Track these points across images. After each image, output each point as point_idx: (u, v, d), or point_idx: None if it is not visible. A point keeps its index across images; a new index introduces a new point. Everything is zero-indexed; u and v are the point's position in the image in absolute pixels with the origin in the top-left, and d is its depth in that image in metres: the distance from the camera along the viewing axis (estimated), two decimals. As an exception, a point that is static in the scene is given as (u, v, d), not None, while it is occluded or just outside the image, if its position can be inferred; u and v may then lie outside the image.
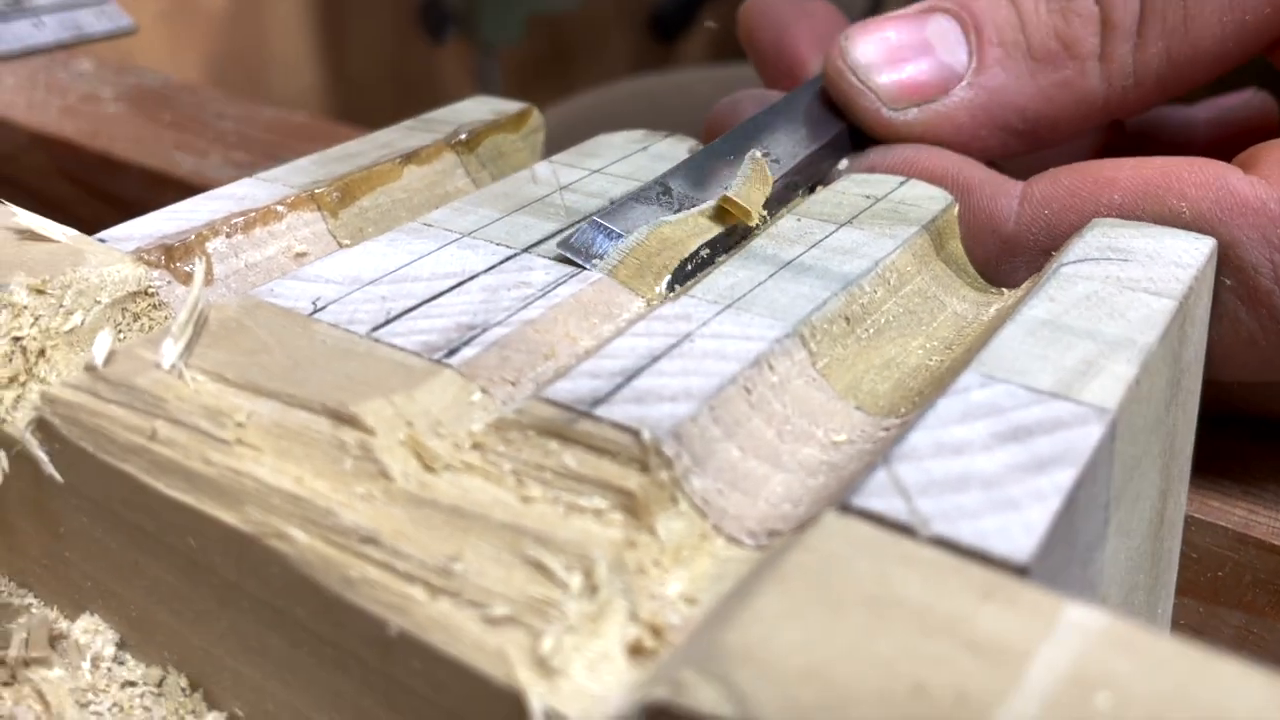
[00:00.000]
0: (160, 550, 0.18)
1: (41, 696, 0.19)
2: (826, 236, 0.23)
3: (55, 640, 0.20)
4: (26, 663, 0.19)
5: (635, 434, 0.17)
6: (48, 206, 0.48)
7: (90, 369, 0.19)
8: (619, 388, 0.18)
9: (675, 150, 0.28)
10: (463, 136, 0.29)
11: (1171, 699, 0.12)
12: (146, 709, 0.19)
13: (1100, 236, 0.23)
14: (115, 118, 0.48)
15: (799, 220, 0.24)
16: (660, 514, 0.16)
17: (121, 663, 0.20)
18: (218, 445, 0.17)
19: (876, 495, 0.15)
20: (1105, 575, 0.19)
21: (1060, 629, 0.13)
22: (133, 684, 0.20)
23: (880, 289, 0.22)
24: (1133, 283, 0.21)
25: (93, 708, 0.19)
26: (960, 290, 0.23)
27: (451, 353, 0.19)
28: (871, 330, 0.21)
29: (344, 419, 0.17)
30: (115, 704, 0.19)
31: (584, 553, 0.15)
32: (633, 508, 0.16)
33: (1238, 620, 0.26)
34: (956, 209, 0.25)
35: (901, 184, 0.26)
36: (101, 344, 0.19)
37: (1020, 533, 0.14)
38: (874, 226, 0.23)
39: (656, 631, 0.15)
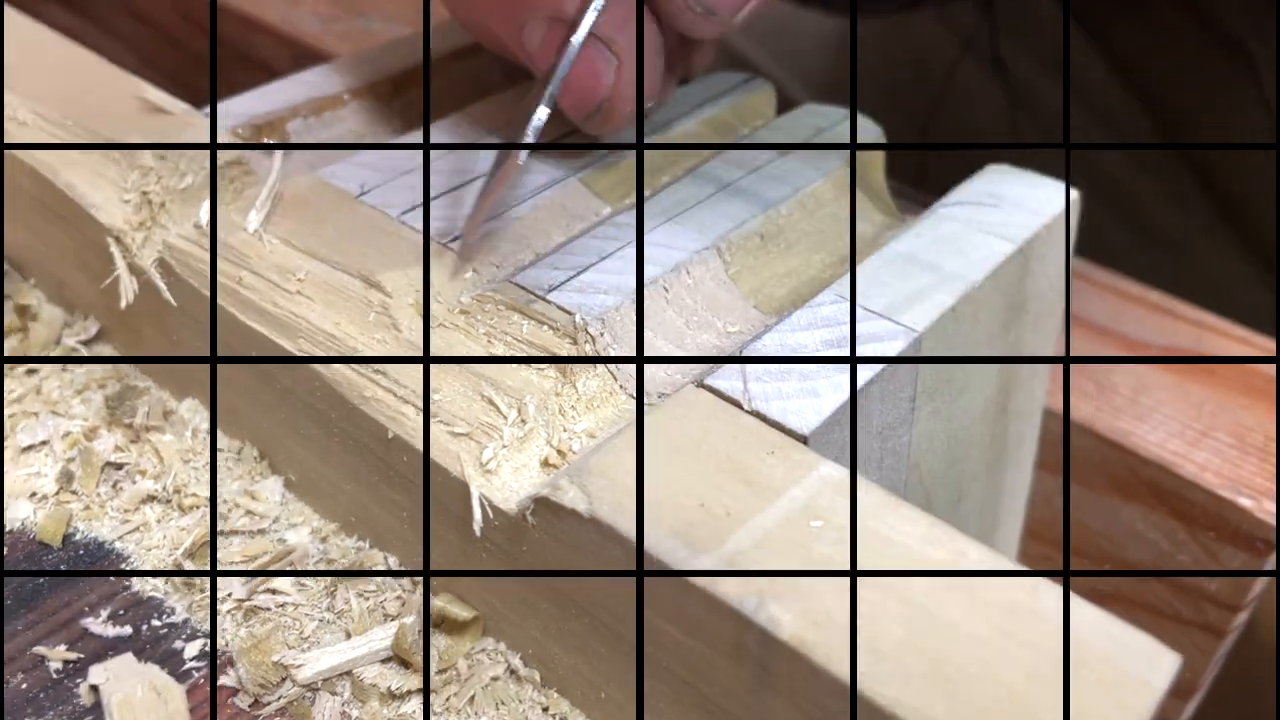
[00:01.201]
0: (239, 359, 0.26)
1: (158, 453, 0.27)
2: (766, 164, 0.29)
3: (167, 415, 0.28)
4: (147, 429, 0.27)
5: (571, 315, 0.23)
6: (161, 37, 0.55)
7: (197, 226, 0.26)
8: (570, 279, 0.25)
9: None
10: (501, 37, 0.35)
11: (861, 527, 0.19)
12: (229, 468, 0.27)
13: (985, 182, 0.28)
14: (221, -40, 0.54)
15: (750, 147, 0.30)
16: (581, 374, 0.23)
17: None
18: (284, 293, 0.25)
19: (723, 378, 0.22)
20: (916, 447, 0.25)
21: (810, 478, 0.20)
22: (220, 450, 0.28)
23: (797, 212, 0.28)
24: (988, 226, 0.27)
25: (192, 464, 0.27)
26: (871, 215, 0.29)
27: (455, 239, 0.26)
28: (782, 245, 0.27)
29: (372, 283, 0.24)
30: (207, 463, 0.27)
31: (521, 395, 0.22)
32: (562, 368, 0.23)
33: (1077, 494, 0.33)
34: (882, 143, 0.30)
35: (845, 118, 0.31)
36: (206, 209, 0.26)
37: (810, 413, 0.21)
38: (807, 157, 0.29)
39: (562, 454, 0.22)
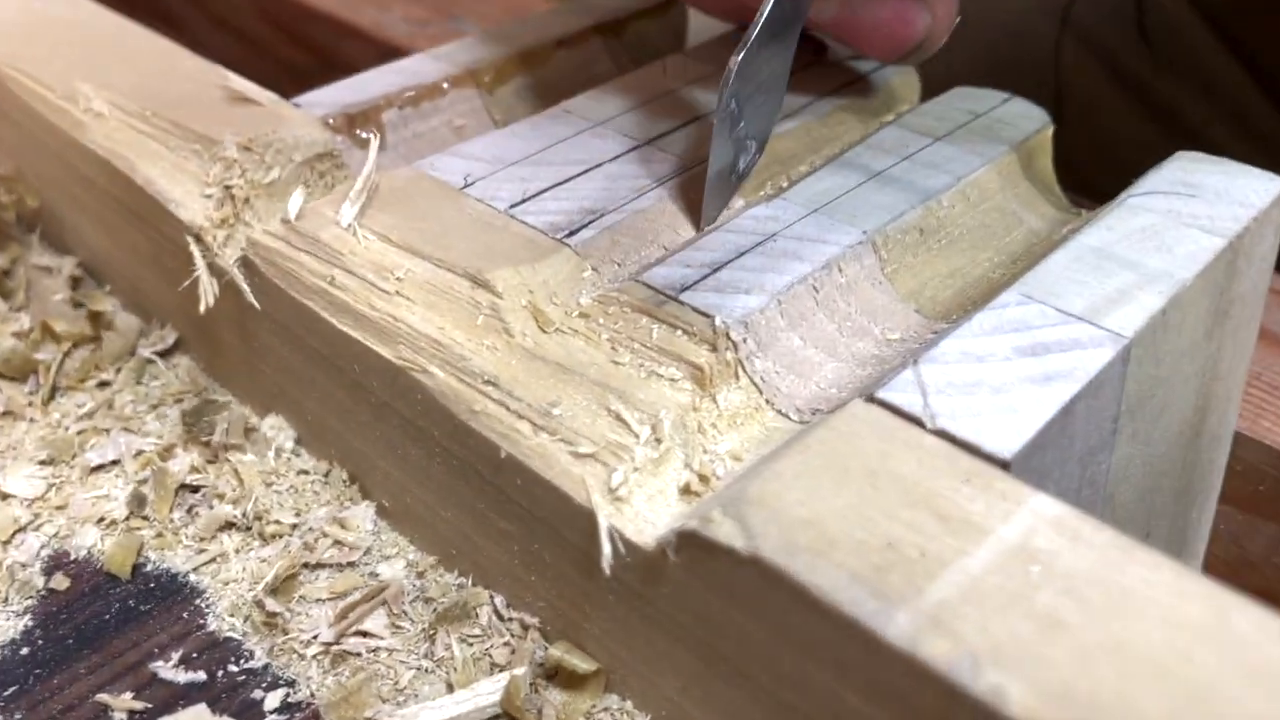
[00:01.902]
0: (332, 370, 0.23)
1: (237, 474, 0.24)
2: (919, 150, 0.25)
3: (248, 432, 0.25)
4: (226, 447, 0.25)
5: (710, 319, 0.20)
6: (250, 45, 0.54)
7: (285, 221, 0.23)
8: (705, 277, 0.21)
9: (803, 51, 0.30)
10: (611, 23, 0.32)
11: (1090, 577, 0.15)
12: (315, 493, 0.24)
13: (1176, 170, 0.24)
14: (310, -35, 0.52)
15: (899, 131, 0.26)
16: (722, 386, 0.20)
17: (298, 454, 0.25)
18: (381, 294, 0.22)
19: (898, 390, 0.18)
20: (1114, 475, 0.21)
21: (1020, 513, 0.16)
22: (306, 472, 0.25)
23: (959, 204, 0.24)
24: (1191, 218, 0.23)
25: (275, 488, 0.24)
26: (1041, 208, 0.26)
27: (572, 233, 0.23)
28: (944, 241, 0.24)
29: (480, 283, 0.21)
30: (292, 486, 0.24)
31: (654, 411, 0.19)
32: (700, 379, 0.20)
33: (1272, 531, 0.29)
34: (1050, 129, 0.27)
35: (1004, 101, 0.27)
36: (295, 201, 0.23)
37: (1011, 434, 0.18)
38: (967, 143, 0.26)
39: (704, 478, 0.18)
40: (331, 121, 0.27)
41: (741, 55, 0.23)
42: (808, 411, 0.20)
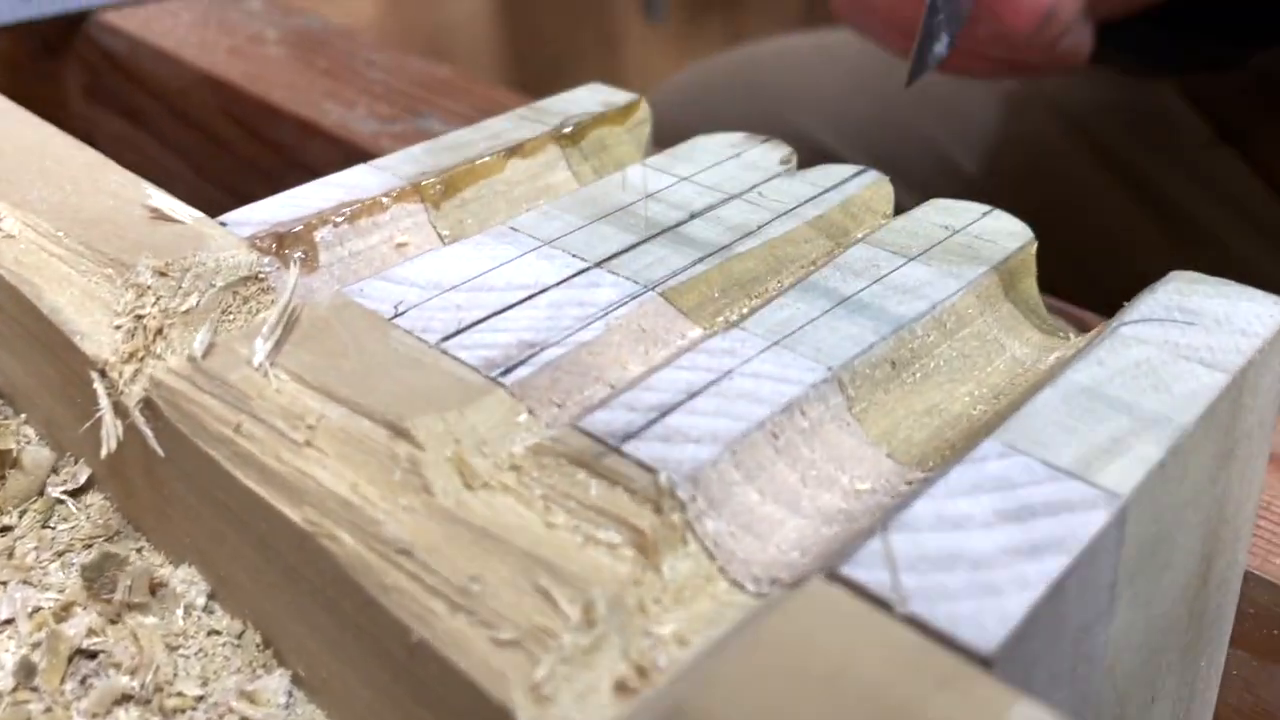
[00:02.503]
0: (240, 526, 0.20)
1: (136, 638, 0.22)
2: (891, 272, 0.23)
3: (156, 587, 0.23)
4: (129, 607, 0.22)
5: (653, 474, 0.18)
6: (214, 143, 0.52)
7: (191, 359, 0.21)
8: (651, 424, 0.19)
9: (768, 159, 0.28)
10: (567, 129, 0.30)
11: (1088, 814, 0.13)
12: (226, 658, 0.22)
13: (1172, 293, 0.22)
14: (275, 61, 0.51)
15: (870, 250, 0.24)
16: (668, 554, 0.17)
17: (210, 612, 0.23)
18: (290, 445, 0.19)
19: (864, 566, 0.16)
20: (1113, 645, 0.19)
21: (1003, 727, 0.14)
22: (217, 633, 0.22)
23: (934, 333, 0.22)
24: (1190, 351, 0.21)
25: (181, 651, 0.22)
26: (1025, 334, 0.24)
27: (508, 371, 0.20)
28: (919, 374, 0.22)
29: (399, 432, 0.19)
30: (201, 649, 0.22)
31: (587, 588, 0.17)
32: (643, 545, 0.17)
33: (1290, 680, 0.26)
34: (1034, 247, 0.25)
35: (984, 215, 0.26)
36: (202, 337, 0.21)
37: (993, 621, 0.15)
38: (943, 263, 0.24)
39: (642, 672, 0.16)
40: (259, 241, 0.25)
41: None
42: (766, 581, 0.18)
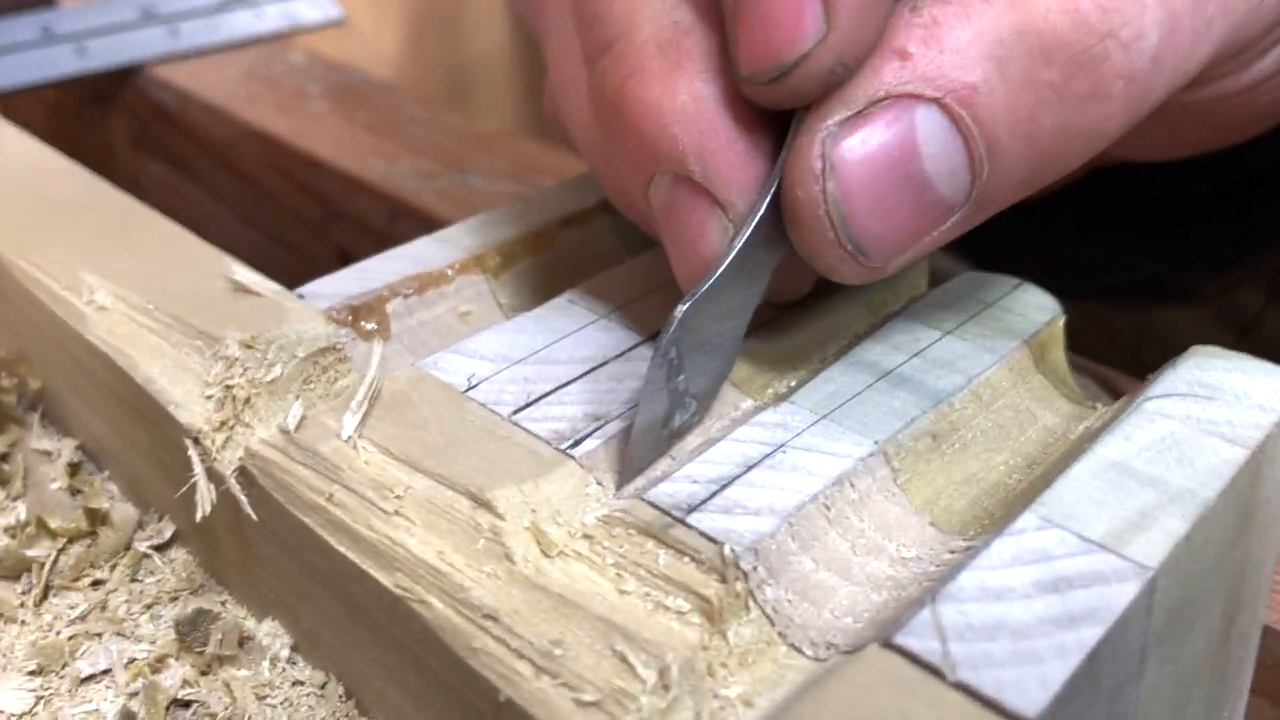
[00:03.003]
0: (328, 586, 0.22)
1: (229, 689, 0.23)
2: (929, 345, 0.25)
3: (243, 640, 0.24)
4: (220, 659, 0.24)
5: (719, 546, 0.19)
6: (261, 194, 0.54)
7: (284, 431, 0.23)
8: (713, 495, 0.21)
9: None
10: (616, 200, 0.32)
11: None
12: (311, 708, 0.24)
13: (1193, 368, 0.24)
14: (319, 116, 0.53)
15: (909, 323, 0.26)
16: (733, 620, 0.19)
17: (294, 663, 0.24)
18: (380, 514, 0.21)
19: (916, 635, 0.18)
20: (1144, 703, 0.20)
21: (1048, 787, 0.15)
22: (301, 683, 0.24)
23: (971, 405, 0.24)
24: (1211, 425, 0.22)
25: (268, 701, 0.23)
26: (1055, 403, 0.25)
27: (576, 443, 0.22)
28: (958, 445, 0.23)
29: (481, 502, 0.21)
30: (287, 699, 0.24)
31: (661, 653, 0.18)
32: (709, 612, 0.19)
33: (1309, 730, 0.27)
34: (1062, 320, 0.26)
35: (1015, 288, 0.27)
36: (295, 411, 0.23)
37: (1035, 688, 0.17)
38: (978, 337, 0.25)
39: (714, 730, 0.18)
40: (335, 314, 0.27)
41: (688, 305, 0.21)
42: (822, 645, 0.19)
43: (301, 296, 0.27)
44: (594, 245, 0.31)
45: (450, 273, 0.28)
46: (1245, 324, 0.40)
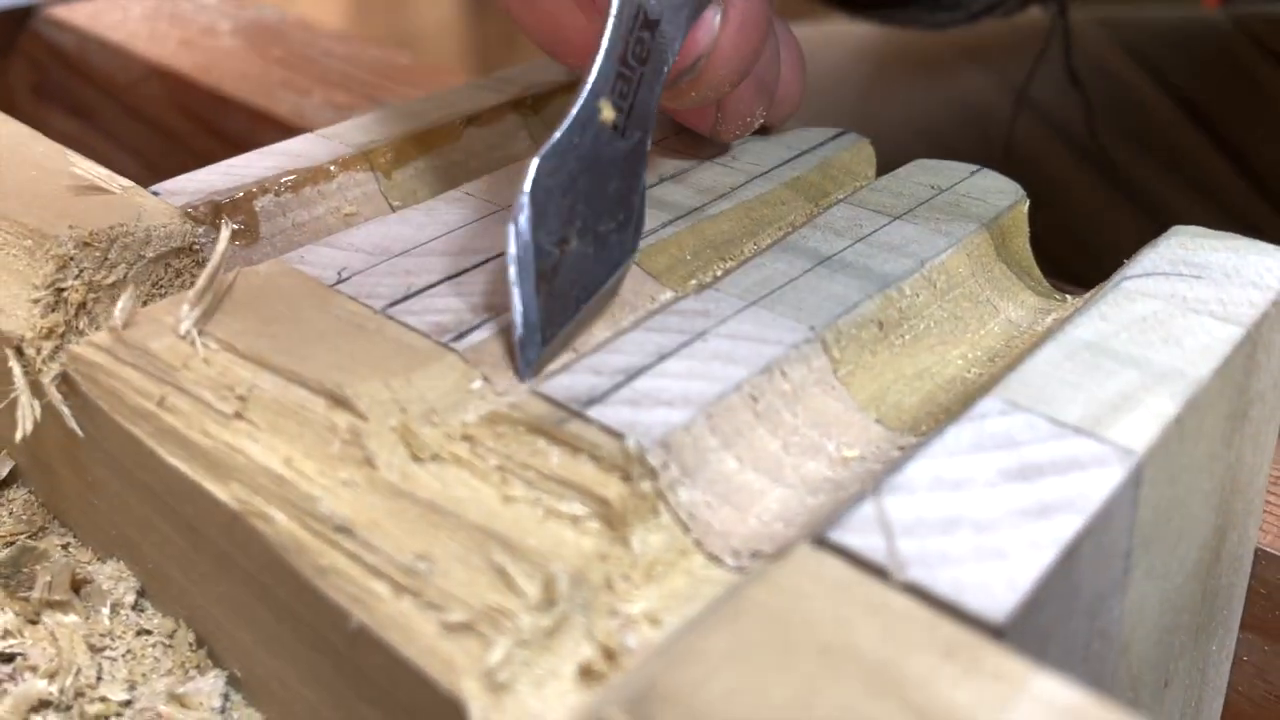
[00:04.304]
0: (167, 511, 0.18)
1: (54, 639, 0.20)
2: (876, 230, 0.22)
3: (80, 585, 0.21)
4: (49, 604, 0.20)
5: (620, 439, 0.16)
6: (165, 137, 0.50)
7: (111, 329, 0.19)
8: (618, 387, 0.17)
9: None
10: (528, 98, 0.28)
11: (1122, 798, 0.11)
12: (157, 659, 0.20)
13: (1175, 247, 0.21)
14: (228, 52, 0.49)
15: (852, 209, 0.23)
16: (638, 526, 0.16)
17: (141, 610, 0.21)
18: (218, 418, 0.17)
19: (856, 531, 0.14)
20: (1128, 621, 0.17)
21: (1021, 703, 0.12)
22: (148, 632, 0.20)
23: (924, 292, 0.21)
24: (1199, 304, 0.19)
25: (107, 653, 0.20)
26: (1019, 295, 0.22)
27: (461, 336, 0.19)
28: (908, 336, 0.20)
29: (338, 400, 0.17)
30: (129, 651, 0.20)
31: (547, 564, 0.15)
32: (609, 517, 0.16)
33: (1305, 664, 0.25)
34: (1026, 205, 0.23)
35: (972, 173, 0.24)
36: (123, 305, 0.19)
37: (1002, 588, 0.14)
38: (930, 221, 0.22)
39: (610, 655, 0.14)
40: (194, 211, 0.23)
41: (545, 149, 0.18)
42: (746, 554, 0.16)
43: (157, 193, 0.24)
44: (503, 145, 0.28)
45: (333, 169, 0.25)
46: None
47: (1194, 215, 0.51)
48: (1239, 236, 0.21)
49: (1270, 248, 0.21)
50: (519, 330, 0.18)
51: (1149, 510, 0.16)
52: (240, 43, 0.50)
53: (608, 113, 0.19)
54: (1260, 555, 0.24)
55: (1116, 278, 0.20)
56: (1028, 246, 0.23)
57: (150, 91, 0.49)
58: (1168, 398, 0.17)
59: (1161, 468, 0.16)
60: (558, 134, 0.18)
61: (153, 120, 0.51)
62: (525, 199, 0.18)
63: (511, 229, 0.18)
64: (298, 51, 0.49)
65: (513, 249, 0.18)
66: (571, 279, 0.19)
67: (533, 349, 0.18)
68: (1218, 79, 0.56)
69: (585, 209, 0.19)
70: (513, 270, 0.18)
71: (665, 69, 0.20)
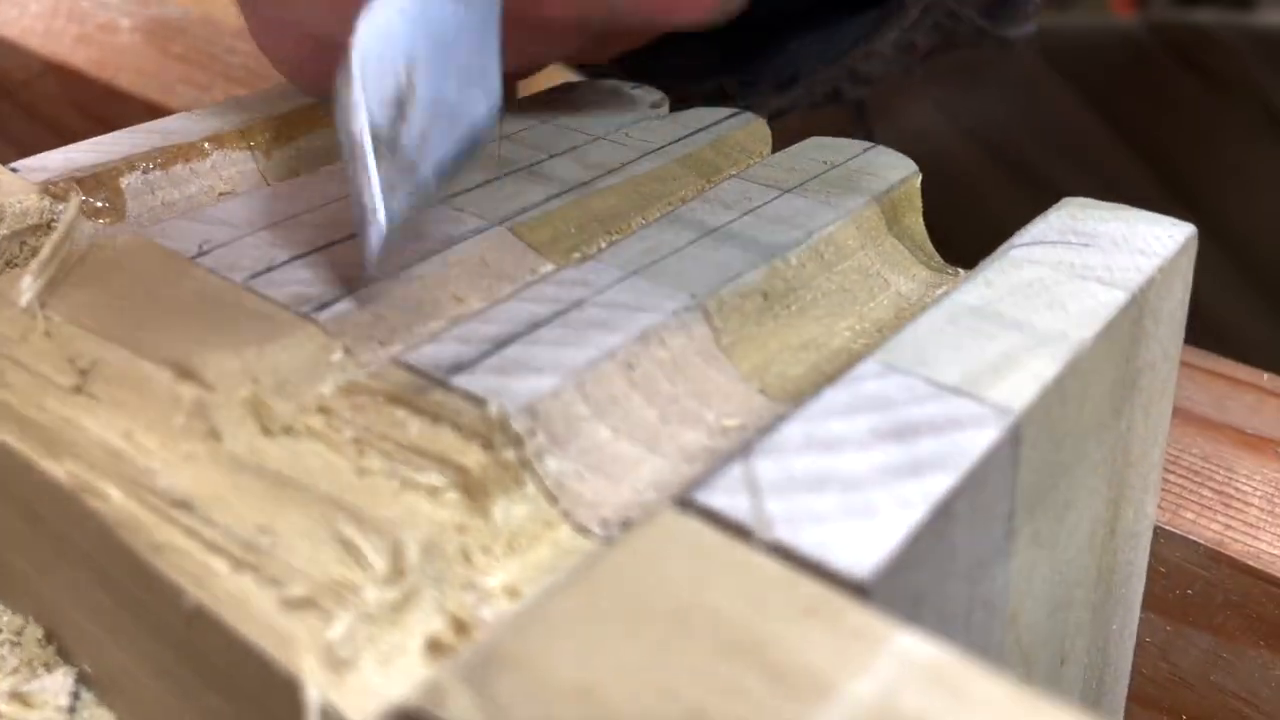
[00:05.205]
0: (6, 496, 0.17)
1: (-113, 638, 0.18)
2: (765, 204, 0.21)
3: (-80, 580, 0.19)
4: (-118, 602, 0.19)
5: (482, 406, 0.15)
6: (59, 136, 0.48)
7: (-53, 303, 0.18)
8: (485, 355, 0.17)
9: (638, 103, 0.26)
10: (420, 79, 0.27)
11: (981, 753, 0.11)
12: (3, 657, 0.19)
13: (1065, 217, 0.20)
14: (127, 48, 0.48)
15: (742, 183, 0.22)
16: (500, 496, 0.15)
17: (-12, 607, 0.19)
18: (57, 392, 0.16)
19: (722, 491, 0.14)
20: (1014, 590, 0.17)
21: (881, 660, 0.11)
22: (-6, 630, 0.19)
23: (811, 264, 0.20)
24: (1085, 270, 0.19)
25: (-53, 652, 0.19)
26: (910, 269, 0.22)
27: (323, 306, 0.18)
28: (794, 308, 0.20)
29: (184, 372, 0.16)
30: (-29, 650, 0.19)
31: (396, 533, 0.14)
32: (469, 487, 0.15)
33: (1206, 642, 0.24)
34: (918, 179, 0.23)
35: (866, 150, 0.24)
36: (-41, 278, 0.18)
37: (868, 545, 0.13)
38: (820, 195, 0.22)
39: (462, 627, 0.13)
40: (54, 187, 0.22)
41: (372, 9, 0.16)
42: (616, 524, 0.15)
43: (15, 170, 0.22)
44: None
45: (207, 146, 0.24)
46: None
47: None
48: (1130, 208, 0.21)
49: (1160, 218, 0.21)
50: (358, 212, 0.16)
51: (1030, 472, 0.16)
52: (140, 39, 0.49)
53: None
54: (1160, 533, 0.24)
55: (1005, 246, 0.20)
56: (920, 221, 0.23)
57: (45, 89, 0.48)
58: (1049, 359, 0.16)
59: (1042, 429, 0.16)
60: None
61: (47, 118, 0.49)
62: (353, 63, 0.16)
63: (339, 101, 0.16)
64: (200, 48, 0.48)
65: (348, 123, 0.16)
66: (418, 152, 0.17)
67: (376, 232, 0.16)
68: (1133, 83, 0.57)
69: (428, 78, 0.17)
70: (345, 146, 0.16)
71: None
